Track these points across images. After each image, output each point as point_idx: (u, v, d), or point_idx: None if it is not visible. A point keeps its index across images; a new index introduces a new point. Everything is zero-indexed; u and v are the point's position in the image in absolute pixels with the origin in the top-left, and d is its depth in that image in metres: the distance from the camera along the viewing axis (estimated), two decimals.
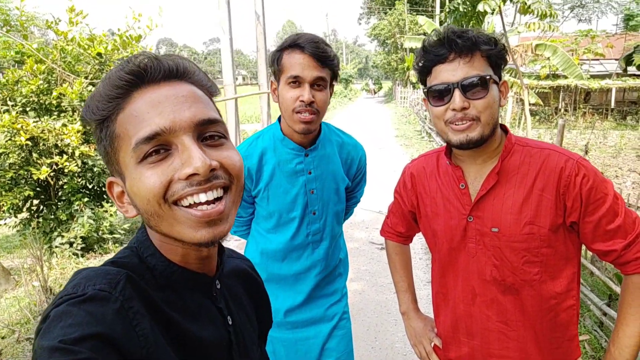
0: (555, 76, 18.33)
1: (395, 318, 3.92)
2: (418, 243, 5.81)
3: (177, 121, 0.70)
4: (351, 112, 26.31)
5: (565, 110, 20.38)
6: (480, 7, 7.51)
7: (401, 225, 1.72)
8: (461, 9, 7.87)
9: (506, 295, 1.37)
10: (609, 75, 20.67)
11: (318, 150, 1.85)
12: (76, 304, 0.63)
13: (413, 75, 18.99)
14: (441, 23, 18.79)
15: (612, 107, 20.91)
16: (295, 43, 1.64)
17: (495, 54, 1.28)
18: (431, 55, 1.30)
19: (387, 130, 17.78)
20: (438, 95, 1.30)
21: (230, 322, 0.86)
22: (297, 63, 1.62)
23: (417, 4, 36.64)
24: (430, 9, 34.59)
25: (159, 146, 0.70)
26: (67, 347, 0.57)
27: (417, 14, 25.90)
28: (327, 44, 1.70)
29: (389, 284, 4.66)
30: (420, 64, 1.35)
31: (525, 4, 7.56)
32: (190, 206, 0.70)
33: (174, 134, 0.69)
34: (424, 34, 20.14)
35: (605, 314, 3.36)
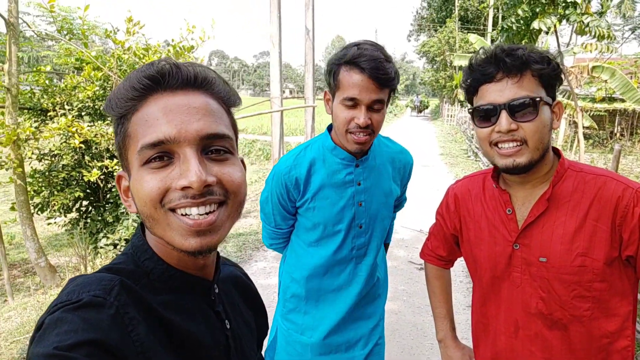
0: (612, 99, 17.57)
1: (431, 342, 3.79)
2: (459, 265, 5.64)
3: (183, 132, 0.70)
4: (396, 129, 26.13)
5: (622, 135, 19.47)
6: (535, 24, 7.30)
7: (442, 248, 1.64)
8: (514, 28, 7.69)
9: (552, 330, 1.28)
10: None
11: (369, 162, 1.79)
12: (71, 311, 0.63)
13: (461, 93, 18.71)
14: (493, 41, 18.44)
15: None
16: (354, 60, 1.54)
17: (548, 73, 1.21)
18: (478, 74, 1.24)
19: (432, 148, 17.52)
20: (484, 116, 1.24)
21: (228, 326, 0.86)
22: (356, 84, 1.54)
23: (469, 22, 36.24)
24: (482, 27, 34.12)
25: (163, 153, 0.71)
26: (62, 353, 0.57)
27: (468, 32, 25.59)
28: (389, 59, 1.59)
29: (426, 305, 4.53)
30: (467, 83, 1.30)
31: (583, 23, 7.30)
32: (184, 215, 0.71)
33: (178, 144, 0.70)
34: (474, 52, 19.81)
35: None
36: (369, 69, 1.51)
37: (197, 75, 0.75)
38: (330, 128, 1.79)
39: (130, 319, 0.66)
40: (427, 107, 47.40)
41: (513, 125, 1.19)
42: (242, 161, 0.83)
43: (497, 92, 1.21)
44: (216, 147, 0.74)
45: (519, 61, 1.18)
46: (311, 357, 1.86)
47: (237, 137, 0.83)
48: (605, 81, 10.64)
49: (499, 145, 1.22)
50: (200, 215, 0.71)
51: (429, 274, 1.73)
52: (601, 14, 8.54)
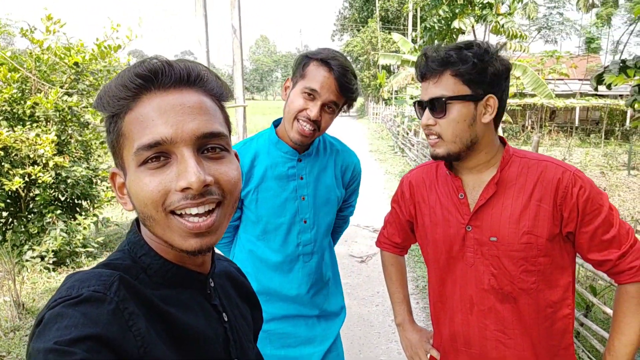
0: (522, 95, 18.92)
1: (378, 331, 3.93)
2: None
3: (180, 132, 0.71)
4: None
5: (532, 128, 21.03)
6: (456, 24, 7.73)
7: (398, 235, 1.73)
8: (436, 27, 8.07)
9: (504, 303, 1.39)
10: (573, 95, 21.49)
11: (312, 157, 1.84)
12: (71, 306, 0.63)
13: (385, 92, 19.25)
14: (414, 41, 19.20)
15: (577, 125, 21.71)
16: (327, 59, 1.64)
17: (467, 71, 1.29)
18: (417, 73, 1.41)
19: (361, 145, 17.94)
20: (420, 111, 1.41)
21: (225, 319, 0.87)
22: (320, 79, 1.63)
23: (390, 22, 37.40)
24: (402, 27, 35.35)
25: (159, 153, 0.71)
26: (62, 348, 0.57)
27: (389, 32, 26.39)
28: (355, 76, 1.72)
29: (370, 296, 4.67)
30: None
31: (499, 23, 7.82)
32: (182, 216, 0.72)
33: (175, 145, 0.71)
34: (397, 51, 20.51)
35: (582, 325, 3.45)
36: (336, 72, 1.63)
37: (190, 73, 0.75)
38: (276, 123, 1.84)
39: (130, 314, 0.67)
40: (352, 106, 46.14)
41: (430, 121, 1.34)
42: (236, 154, 0.84)
43: (424, 90, 1.37)
44: (212, 145, 0.75)
45: (436, 63, 1.31)
46: (268, 351, 1.85)
47: (230, 132, 0.84)
48: (518, 78, 11.44)
49: (428, 139, 1.39)
50: (200, 217, 0.72)
51: (385, 261, 1.80)
52: (509, 14, 9.16)
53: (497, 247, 1.35)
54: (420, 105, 1.40)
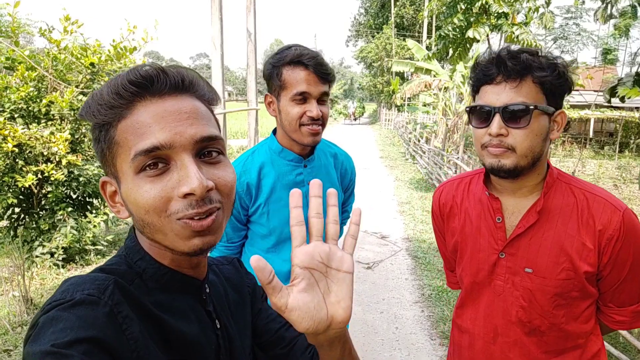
0: None
1: (382, 338, 3.91)
2: (403, 263, 5.83)
3: (178, 138, 0.70)
4: (334, 133, 26.47)
5: None
6: (470, 33, 7.70)
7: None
8: (451, 36, 8.06)
9: (530, 337, 1.31)
10: (588, 106, 21.26)
11: (315, 161, 1.84)
12: (66, 309, 0.63)
13: (398, 98, 19.24)
14: (428, 48, 19.17)
15: (591, 136, 21.47)
16: (298, 60, 1.63)
17: (551, 81, 1.17)
18: (480, 74, 1.23)
19: (372, 151, 17.92)
20: (479, 117, 1.24)
21: (218, 326, 0.87)
22: (303, 79, 1.62)
23: (405, 29, 37.38)
24: (417, 34, 35.30)
25: (158, 159, 0.70)
26: (59, 350, 0.57)
27: (404, 39, 26.38)
28: (323, 59, 1.70)
29: (375, 303, 4.66)
30: (470, 80, 1.30)
31: (513, 33, 7.78)
32: (183, 218, 0.72)
33: (174, 150, 0.70)
34: (411, 57, 20.48)
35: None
36: (312, 65, 1.61)
37: (183, 79, 0.75)
38: (275, 131, 1.83)
39: (124, 318, 0.67)
40: (363, 113, 42.12)
41: (503, 130, 1.17)
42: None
43: (494, 95, 1.19)
44: (209, 149, 0.75)
45: (520, 65, 1.15)
46: None
47: None
48: None
49: (489, 149, 1.22)
50: (201, 217, 0.72)
51: None
52: (526, 24, 9.11)
53: (531, 279, 1.26)
54: (481, 112, 1.23)
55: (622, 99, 4.21)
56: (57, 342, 0.58)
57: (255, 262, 0.62)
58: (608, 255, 1.20)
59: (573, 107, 20.02)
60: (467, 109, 1.28)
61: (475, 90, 1.28)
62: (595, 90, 23.08)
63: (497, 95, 1.18)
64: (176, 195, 0.70)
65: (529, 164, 1.21)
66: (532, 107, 1.16)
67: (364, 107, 43.46)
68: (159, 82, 0.72)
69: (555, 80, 1.17)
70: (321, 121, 1.68)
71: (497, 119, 1.18)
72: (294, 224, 0.70)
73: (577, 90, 22.16)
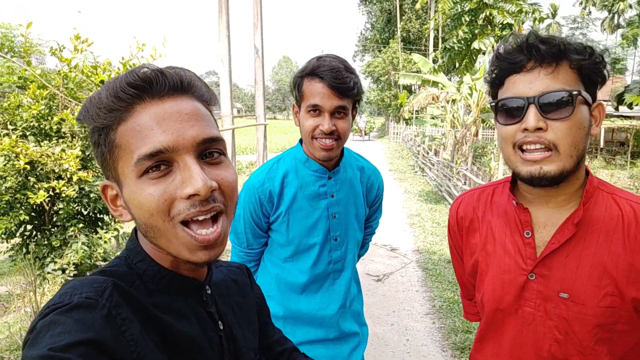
0: None
1: (392, 350, 3.87)
2: (414, 274, 5.79)
3: (181, 140, 0.70)
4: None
5: None
6: (475, 44, 7.74)
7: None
8: (456, 48, 8.10)
9: None
10: None
11: (340, 174, 1.80)
12: (63, 313, 0.63)
13: (406, 112, 19.23)
14: (434, 61, 19.25)
15: (602, 146, 21.31)
16: (315, 72, 1.61)
17: (589, 66, 1.01)
18: (505, 63, 1.05)
19: (381, 164, 17.92)
20: (508, 112, 1.04)
21: (221, 327, 0.86)
22: (317, 92, 1.60)
23: (411, 43, 37.59)
24: (423, 47, 35.48)
25: (160, 162, 0.70)
26: (56, 354, 0.57)
27: (411, 52, 26.53)
28: (349, 69, 1.64)
29: (385, 315, 4.62)
30: (491, 73, 1.10)
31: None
32: (189, 224, 0.72)
33: (177, 152, 0.70)
34: (418, 71, 20.57)
35: None
36: (327, 78, 1.57)
37: (182, 80, 0.75)
38: (302, 141, 1.81)
39: (123, 320, 0.67)
40: (372, 129, 38.46)
41: (542, 124, 0.98)
42: None
43: (526, 84, 1.01)
44: (211, 150, 0.75)
45: (555, 49, 0.99)
46: None
47: None
48: None
49: (524, 148, 1.01)
50: (207, 228, 0.72)
51: None
52: None
53: (567, 306, 1.05)
54: (510, 106, 1.03)
55: (630, 106, 4.20)
56: (54, 346, 0.58)
57: None
58: None
59: None
60: (491, 104, 1.09)
61: (497, 84, 1.10)
62: (605, 100, 22.91)
63: (530, 83, 1.00)
64: (179, 197, 0.70)
65: (574, 166, 1.02)
66: (575, 92, 0.98)
67: (374, 122, 40.73)
68: (158, 83, 0.72)
69: (593, 66, 1.02)
70: (335, 136, 1.64)
71: (532, 111, 0.99)
72: None
73: None
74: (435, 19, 9.76)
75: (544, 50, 0.99)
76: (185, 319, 0.79)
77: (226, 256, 5.19)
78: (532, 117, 0.98)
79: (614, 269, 1.01)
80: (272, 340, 1.08)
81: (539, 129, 0.98)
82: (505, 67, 1.05)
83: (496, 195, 1.23)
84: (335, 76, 1.58)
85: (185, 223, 0.72)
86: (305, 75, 1.65)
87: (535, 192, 1.09)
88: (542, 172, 0.99)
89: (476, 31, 7.87)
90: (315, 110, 1.62)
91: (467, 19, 7.88)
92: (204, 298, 0.86)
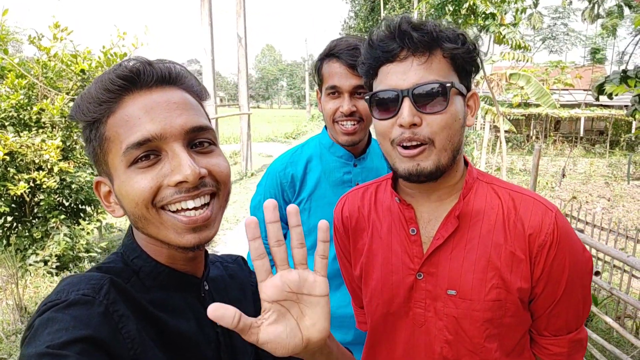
0: (527, 104, 18.94)
1: None
2: None
3: (168, 128, 0.71)
4: None
5: (537, 138, 21.00)
6: (458, 29, 7.75)
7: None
8: None
9: None
10: (578, 105, 21.46)
11: (367, 162, 1.72)
12: (61, 310, 0.63)
13: None
14: None
15: (581, 135, 21.67)
16: (332, 52, 1.57)
17: (462, 55, 0.97)
18: (378, 51, 0.98)
19: None
20: (382, 105, 0.98)
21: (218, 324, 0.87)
22: (335, 73, 1.56)
23: None
24: None
25: (149, 151, 0.71)
26: (54, 351, 0.57)
27: None
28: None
29: None
30: (365, 62, 1.03)
31: (501, 34, 7.87)
32: (177, 211, 0.72)
33: (165, 141, 0.71)
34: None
35: None
36: (344, 57, 1.53)
37: (170, 72, 0.75)
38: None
39: (120, 316, 0.67)
40: None
41: (417, 119, 0.94)
42: None
43: (399, 75, 0.95)
44: (200, 139, 0.75)
45: (428, 37, 0.94)
46: None
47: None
48: (522, 87, 11.46)
49: (403, 145, 0.97)
50: (196, 210, 0.72)
51: None
52: (514, 24, 9.20)
53: (455, 303, 1.01)
54: (384, 99, 0.97)
55: (610, 96, 4.27)
56: (52, 344, 0.58)
57: (212, 313, 0.62)
58: (541, 266, 0.98)
59: (563, 106, 20.20)
60: (366, 97, 1.02)
61: (371, 74, 1.03)
62: (584, 90, 23.29)
63: (404, 74, 0.94)
64: (166, 184, 0.70)
65: (450, 160, 0.98)
66: (448, 84, 0.93)
67: None
68: (146, 74, 0.72)
69: (466, 55, 0.97)
70: (357, 118, 1.57)
71: (406, 105, 0.93)
72: (255, 257, 0.68)
73: (567, 89, 22.40)
74: (419, 8, 9.76)
75: (416, 39, 0.93)
76: (182, 316, 0.79)
77: (226, 250, 5.17)
78: (406, 112, 0.93)
79: (497, 259, 0.98)
80: None
81: (414, 124, 0.94)
82: (378, 56, 0.98)
83: (379, 193, 1.18)
84: (352, 54, 1.51)
85: (174, 211, 0.72)
86: (323, 57, 1.61)
87: (416, 187, 1.05)
88: (419, 169, 0.96)
89: (460, 21, 7.91)
90: (334, 92, 1.57)
91: (451, 9, 7.92)
92: (202, 294, 0.85)
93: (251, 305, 1.00)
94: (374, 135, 1.75)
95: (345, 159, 1.69)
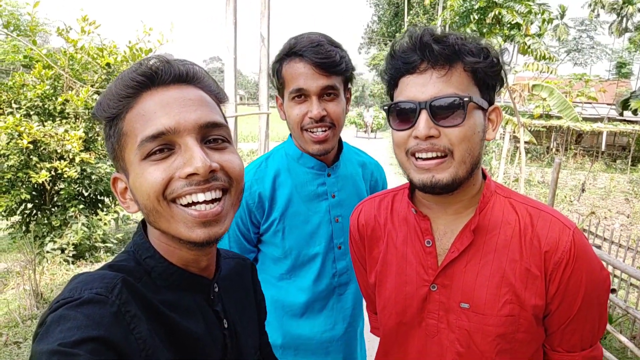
0: (548, 116, 18.71)
1: None
2: None
3: (182, 122, 0.72)
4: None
5: (557, 150, 20.73)
6: (483, 42, 7.71)
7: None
8: None
9: None
10: (601, 119, 21.14)
11: (341, 170, 1.56)
12: (73, 308, 0.63)
13: None
14: None
15: (603, 150, 21.31)
16: (294, 50, 1.37)
17: (484, 69, 0.96)
18: (399, 62, 0.98)
19: (381, 159, 17.92)
20: (401, 117, 0.98)
21: (226, 325, 0.87)
22: (299, 74, 1.36)
23: None
24: None
25: (163, 145, 0.72)
26: (66, 350, 0.57)
27: None
28: (334, 43, 1.41)
29: None
30: (386, 73, 1.04)
31: (526, 44, 7.80)
32: (188, 205, 0.72)
33: (179, 134, 0.72)
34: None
35: None
36: (309, 55, 1.35)
37: (188, 71, 0.77)
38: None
39: (132, 317, 0.67)
40: (380, 127, 31.44)
41: (433, 131, 0.93)
42: None
43: (418, 87, 0.95)
44: (214, 136, 0.77)
45: (449, 50, 0.94)
46: None
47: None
48: (544, 99, 11.32)
49: (417, 156, 0.97)
50: (207, 204, 0.73)
51: None
52: (539, 35, 9.12)
53: (468, 317, 1.01)
54: (402, 110, 0.97)
55: (635, 112, 4.20)
56: (64, 342, 0.58)
57: None
58: (556, 283, 0.97)
59: (585, 119, 19.89)
60: (385, 107, 1.02)
61: (392, 84, 1.03)
62: (608, 104, 22.93)
63: (423, 87, 0.95)
64: (177, 177, 0.71)
65: (468, 173, 0.97)
66: (466, 98, 0.93)
67: (382, 118, 30.35)
68: (164, 72, 0.75)
69: (488, 69, 0.97)
70: (328, 123, 1.40)
71: (424, 117, 0.93)
72: None
73: (590, 102, 22.06)
74: (444, 16, 9.71)
75: (437, 51, 0.93)
76: (192, 317, 0.80)
77: None
78: (423, 124, 0.93)
79: (512, 275, 0.98)
80: (263, 343, 1.10)
81: (431, 136, 0.94)
82: (399, 67, 0.99)
83: (396, 203, 1.17)
84: (317, 51, 1.35)
85: (185, 205, 0.73)
86: (283, 57, 1.41)
87: (432, 199, 1.05)
88: (435, 180, 0.95)
89: (484, 30, 7.86)
90: (300, 95, 1.38)
91: (476, 17, 7.87)
92: (212, 297, 0.86)
93: (254, 306, 1.03)
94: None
95: (317, 170, 1.52)
